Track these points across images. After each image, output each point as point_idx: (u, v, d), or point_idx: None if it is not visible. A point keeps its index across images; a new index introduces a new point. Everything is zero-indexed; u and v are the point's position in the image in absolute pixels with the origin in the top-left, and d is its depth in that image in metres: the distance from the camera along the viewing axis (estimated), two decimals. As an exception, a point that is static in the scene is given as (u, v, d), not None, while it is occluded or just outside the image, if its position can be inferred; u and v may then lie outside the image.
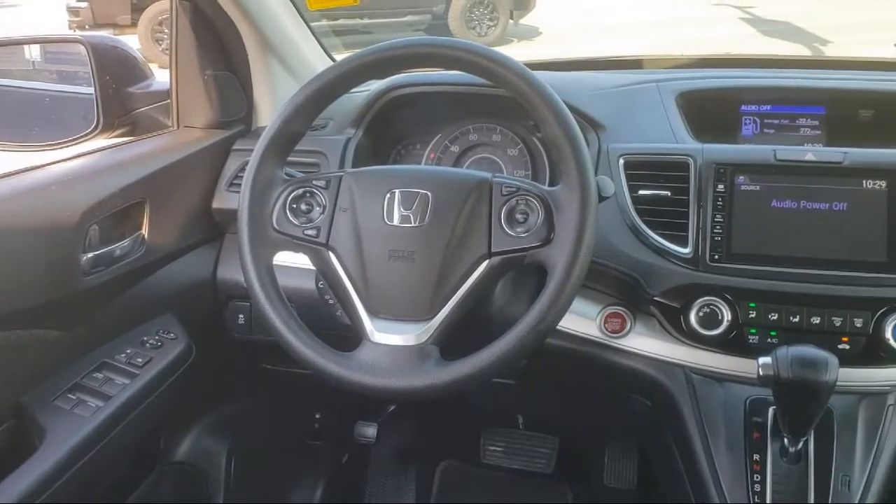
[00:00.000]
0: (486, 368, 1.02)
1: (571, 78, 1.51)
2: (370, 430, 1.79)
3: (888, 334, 1.13)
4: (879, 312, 1.14)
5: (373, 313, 1.08)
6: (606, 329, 1.28)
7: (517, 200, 1.08)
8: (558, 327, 1.24)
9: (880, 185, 1.17)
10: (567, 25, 7.93)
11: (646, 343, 1.26)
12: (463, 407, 1.92)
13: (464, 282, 1.07)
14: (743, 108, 1.46)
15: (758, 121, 1.45)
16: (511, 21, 8.25)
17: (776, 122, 1.44)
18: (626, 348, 1.27)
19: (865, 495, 1.11)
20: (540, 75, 1.09)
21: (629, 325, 1.27)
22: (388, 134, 1.51)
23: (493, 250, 1.07)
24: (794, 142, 1.41)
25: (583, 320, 1.29)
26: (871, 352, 1.15)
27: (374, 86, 1.49)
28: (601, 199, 1.10)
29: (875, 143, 1.28)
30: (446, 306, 1.06)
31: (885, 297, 1.14)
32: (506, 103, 1.10)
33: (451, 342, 1.08)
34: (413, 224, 1.08)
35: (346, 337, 1.11)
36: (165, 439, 1.60)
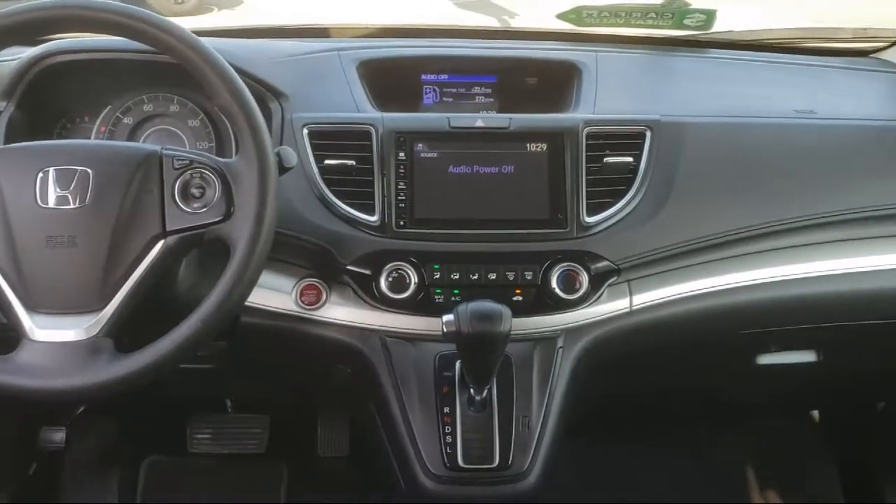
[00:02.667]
0: (168, 357, 0.96)
1: (251, 45, 1.46)
2: (58, 435, 1.63)
3: (554, 284, 1.23)
4: (546, 265, 1.24)
5: (31, 308, 0.97)
6: (303, 302, 1.26)
7: (191, 174, 1.02)
8: (253, 304, 1.22)
9: (541, 148, 1.27)
10: (270, -6, 7.72)
11: (342, 312, 1.26)
12: (165, 398, 1.81)
13: (136, 266, 0.99)
14: (423, 77, 1.50)
15: (437, 90, 1.51)
16: (211, -12, 7.87)
17: (454, 90, 1.51)
18: (323, 319, 1.26)
19: (543, 432, 1.21)
20: (216, 42, 1.05)
21: (325, 295, 1.26)
22: (48, 107, 1.35)
23: (167, 229, 1.01)
24: (470, 109, 1.49)
25: (278, 295, 1.26)
26: (541, 301, 1.24)
27: (24, 53, 1.32)
28: (284, 169, 1.08)
29: (539, 109, 1.39)
30: (118, 294, 0.98)
31: (549, 251, 1.24)
32: (183, 71, 1.04)
33: (130, 332, 1.00)
34: (72, 206, 0.98)
35: (7, 337, 0.99)
36: None
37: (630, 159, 1.28)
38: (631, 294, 1.29)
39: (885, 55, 1.70)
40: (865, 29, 1.77)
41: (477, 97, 1.51)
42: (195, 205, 1.01)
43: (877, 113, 1.49)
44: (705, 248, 1.30)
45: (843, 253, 1.36)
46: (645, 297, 1.30)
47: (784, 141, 1.37)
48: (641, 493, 1.97)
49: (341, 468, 1.93)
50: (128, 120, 1.37)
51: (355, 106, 1.34)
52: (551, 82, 1.48)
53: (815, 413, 2.12)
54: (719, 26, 1.64)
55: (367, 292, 1.25)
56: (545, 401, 1.23)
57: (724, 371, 1.61)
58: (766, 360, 1.53)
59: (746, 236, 1.31)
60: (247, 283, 1.00)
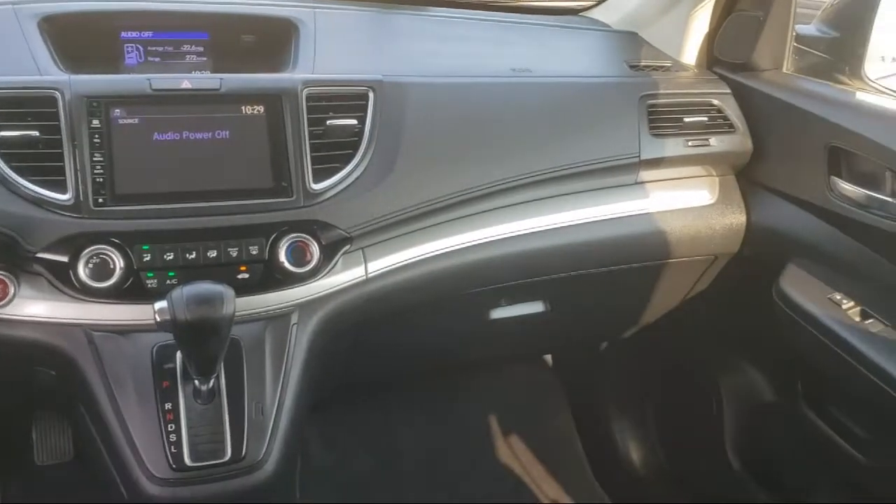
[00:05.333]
0: None
1: None
2: None
3: (282, 257, 1.16)
4: (273, 237, 1.16)
5: None
6: (-15, 299, 1.08)
7: None
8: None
9: (259, 111, 1.17)
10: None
11: (36, 308, 1.10)
12: None
13: None
14: (123, 34, 1.34)
15: (141, 48, 1.35)
16: None
17: (161, 49, 1.36)
18: (12, 317, 1.09)
19: (279, 416, 1.14)
20: None
21: (13, 289, 1.09)
22: None
23: None
24: (181, 70, 1.35)
25: None
26: (270, 277, 1.16)
27: None
28: None
29: (257, 69, 1.29)
30: None
31: (276, 222, 1.16)
32: None
33: None
34: None
35: None
36: None
37: (354, 122, 1.23)
38: (366, 262, 1.26)
39: (592, 14, 1.79)
40: (574, -13, 1.86)
41: (188, 56, 1.37)
42: None
43: (586, 70, 1.57)
44: (434, 211, 1.29)
45: (563, 207, 1.41)
46: (380, 264, 1.27)
47: (501, 100, 1.39)
48: (397, 456, 1.99)
49: (65, 475, 1.72)
50: None
51: (37, 68, 1.15)
52: (268, 40, 1.38)
53: (548, 358, 2.26)
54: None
55: (64, 282, 1.09)
56: (280, 382, 1.16)
57: (461, 328, 1.64)
58: (498, 314, 1.58)
59: (470, 197, 1.31)
60: None
